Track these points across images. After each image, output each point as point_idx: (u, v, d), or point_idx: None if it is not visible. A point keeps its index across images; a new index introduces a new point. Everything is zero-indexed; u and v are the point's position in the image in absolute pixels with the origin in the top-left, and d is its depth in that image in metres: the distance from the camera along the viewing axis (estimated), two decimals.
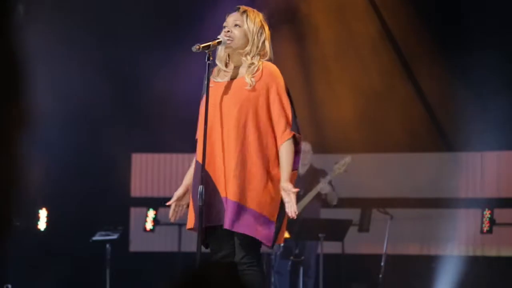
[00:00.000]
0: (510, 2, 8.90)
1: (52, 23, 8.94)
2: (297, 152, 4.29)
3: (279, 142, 4.24)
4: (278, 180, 4.23)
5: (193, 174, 4.35)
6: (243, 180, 4.19)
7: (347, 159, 7.87)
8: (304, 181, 7.83)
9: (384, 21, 9.42)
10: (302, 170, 7.90)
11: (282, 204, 4.25)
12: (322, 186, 7.91)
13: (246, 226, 4.17)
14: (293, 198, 4.15)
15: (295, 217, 4.20)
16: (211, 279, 1.89)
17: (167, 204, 4.53)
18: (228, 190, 4.20)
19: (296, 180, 4.35)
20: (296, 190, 4.17)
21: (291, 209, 4.15)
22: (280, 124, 4.24)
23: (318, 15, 9.50)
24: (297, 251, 7.87)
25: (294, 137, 4.26)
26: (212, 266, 1.97)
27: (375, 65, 9.37)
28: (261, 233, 4.19)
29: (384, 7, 9.47)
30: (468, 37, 8.92)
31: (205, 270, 1.93)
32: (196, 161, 4.33)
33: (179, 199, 4.48)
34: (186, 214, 4.50)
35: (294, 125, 4.27)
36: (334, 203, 8.18)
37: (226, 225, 4.18)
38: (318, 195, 8.03)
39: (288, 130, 4.23)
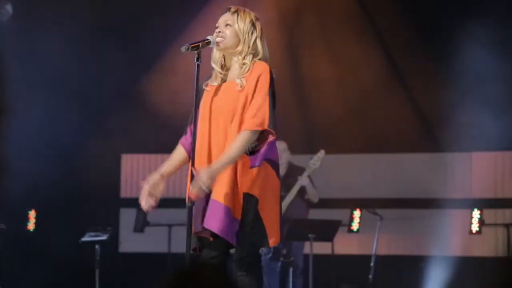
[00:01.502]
0: (501, 3, 8.91)
1: (41, 21, 8.92)
2: (262, 147, 4.21)
3: (243, 127, 4.16)
4: (244, 178, 4.18)
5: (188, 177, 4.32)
6: (229, 181, 4.17)
7: (320, 153, 7.91)
8: (286, 181, 7.83)
9: (374, 20, 9.42)
10: (281, 170, 7.89)
11: (266, 207, 4.23)
12: (301, 181, 7.93)
13: (215, 222, 4.15)
14: (195, 185, 4.03)
15: (191, 201, 4.08)
16: (202, 280, 1.89)
17: (142, 184, 4.32)
18: (216, 191, 4.18)
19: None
20: (204, 183, 4.01)
21: (190, 193, 4.06)
22: (248, 114, 4.18)
23: (306, 13, 9.50)
24: (285, 252, 7.87)
25: (263, 133, 4.19)
26: (203, 266, 1.97)
27: (364, 66, 9.38)
28: (226, 229, 4.16)
29: (373, 6, 9.47)
30: (458, 38, 8.94)
31: (197, 270, 1.93)
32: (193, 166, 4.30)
33: (154, 184, 4.29)
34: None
35: (271, 122, 4.19)
36: (316, 200, 8.18)
37: (205, 223, 4.16)
38: (301, 192, 8.03)
39: (253, 122, 4.16)
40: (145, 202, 4.28)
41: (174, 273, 1.93)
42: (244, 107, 4.20)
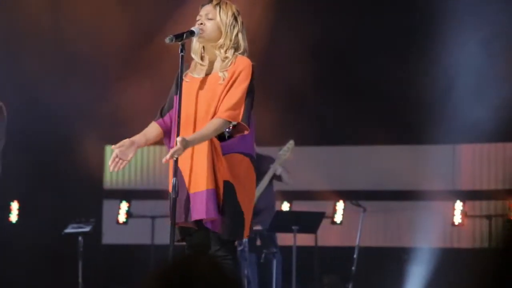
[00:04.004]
0: None
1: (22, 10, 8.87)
2: (236, 136, 4.28)
3: (217, 115, 4.22)
4: (221, 166, 4.22)
5: (170, 169, 4.33)
6: (210, 173, 4.19)
7: (290, 144, 7.88)
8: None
9: (355, 9, 9.36)
10: None
11: (245, 199, 4.25)
12: (274, 169, 7.88)
13: (204, 212, 4.17)
14: (176, 148, 4.11)
15: (164, 162, 4.17)
16: (192, 270, 1.89)
17: (112, 147, 4.36)
18: (194, 184, 4.20)
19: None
20: (178, 148, 4.11)
21: (168, 155, 4.14)
22: (225, 104, 4.22)
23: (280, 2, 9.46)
24: (258, 243, 7.88)
25: (238, 124, 4.24)
26: (190, 256, 1.97)
27: (345, 56, 9.34)
28: (212, 212, 4.18)
29: None
30: (442, 29, 8.95)
31: (185, 261, 1.93)
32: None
33: (125, 146, 4.34)
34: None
35: (246, 116, 4.25)
36: (290, 183, 8.11)
37: (193, 215, 4.19)
38: (271, 181, 7.98)
39: (229, 113, 4.21)
40: (113, 165, 4.31)
41: (165, 265, 1.93)
42: (220, 96, 4.22)
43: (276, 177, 7.98)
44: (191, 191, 4.22)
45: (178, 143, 4.10)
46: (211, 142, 4.24)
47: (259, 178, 7.80)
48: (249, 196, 4.33)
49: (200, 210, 4.18)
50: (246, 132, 4.27)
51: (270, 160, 8.00)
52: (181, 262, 1.93)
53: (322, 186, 9.59)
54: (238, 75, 4.25)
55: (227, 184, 4.23)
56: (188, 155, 4.24)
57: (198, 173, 4.21)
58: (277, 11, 9.06)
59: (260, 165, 7.93)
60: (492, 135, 9.10)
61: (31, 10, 8.87)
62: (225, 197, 4.22)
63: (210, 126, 4.19)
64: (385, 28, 9.27)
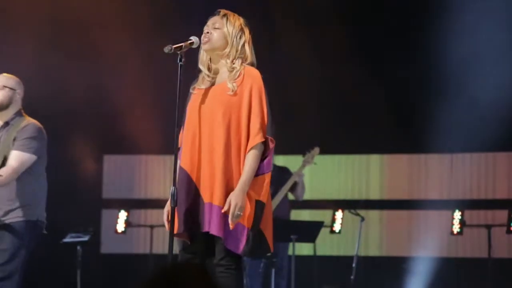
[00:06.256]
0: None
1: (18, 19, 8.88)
2: (268, 155, 4.27)
3: (249, 145, 4.22)
4: (256, 186, 4.21)
5: (179, 180, 4.30)
6: (226, 185, 4.19)
7: (315, 150, 7.88)
8: (272, 180, 7.73)
9: (349, 19, 9.39)
10: None
11: (259, 214, 4.23)
12: (297, 176, 7.85)
13: (222, 229, 4.16)
14: (232, 210, 4.10)
15: (231, 228, 4.14)
16: (184, 280, 1.89)
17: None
18: (213, 195, 4.19)
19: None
20: (233, 206, 4.11)
21: (229, 221, 4.12)
22: (254, 127, 4.23)
23: (289, 19, 9.49)
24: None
25: (265, 142, 4.25)
26: (185, 266, 1.97)
27: (343, 65, 9.37)
28: (231, 239, 4.18)
29: (356, 4, 9.48)
30: (432, 36, 8.97)
31: (177, 270, 1.93)
32: (180, 167, 4.30)
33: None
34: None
35: (269, 129, 4.27)
36: (301, 198, 8.12)
37: (207, 227, 4.16)
38: (288, 190, 7.98)
39: (260, 135, 4.22)
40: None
41: (154, 273, 1.93)
42: (248, 119, 4.23)
43: (292, 186, 7.94)
44: (217, 202, 4.18)
45: (235, 203, 4.09)
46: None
47: (278, 188, 7.80)
48: (270, 211, 4.34)
49: (218, 230, 4.15)
50: (272, 145, 4.27)
51: (286, 170, 7.99)
52: (168, 271, 1.93)
53: (321, 195, 9.59)
54: (253, 93, 4.25)
55: (259, 203, 4.22)
56: (206, 167, 4.22)
57: (218, 187, 4.19)
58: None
59: (279, 175, 7.94)
60: (491, 144, 9.11)
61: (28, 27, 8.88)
62: (256, 217, 4.21)
63: (254, 159, 4.19)
64: (385, 31, 9.29)
